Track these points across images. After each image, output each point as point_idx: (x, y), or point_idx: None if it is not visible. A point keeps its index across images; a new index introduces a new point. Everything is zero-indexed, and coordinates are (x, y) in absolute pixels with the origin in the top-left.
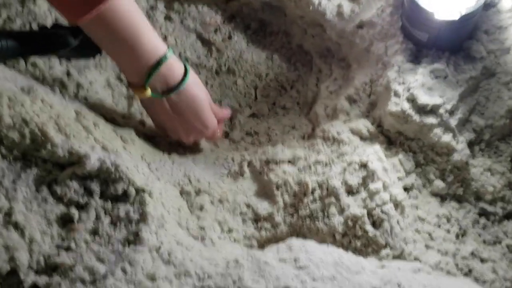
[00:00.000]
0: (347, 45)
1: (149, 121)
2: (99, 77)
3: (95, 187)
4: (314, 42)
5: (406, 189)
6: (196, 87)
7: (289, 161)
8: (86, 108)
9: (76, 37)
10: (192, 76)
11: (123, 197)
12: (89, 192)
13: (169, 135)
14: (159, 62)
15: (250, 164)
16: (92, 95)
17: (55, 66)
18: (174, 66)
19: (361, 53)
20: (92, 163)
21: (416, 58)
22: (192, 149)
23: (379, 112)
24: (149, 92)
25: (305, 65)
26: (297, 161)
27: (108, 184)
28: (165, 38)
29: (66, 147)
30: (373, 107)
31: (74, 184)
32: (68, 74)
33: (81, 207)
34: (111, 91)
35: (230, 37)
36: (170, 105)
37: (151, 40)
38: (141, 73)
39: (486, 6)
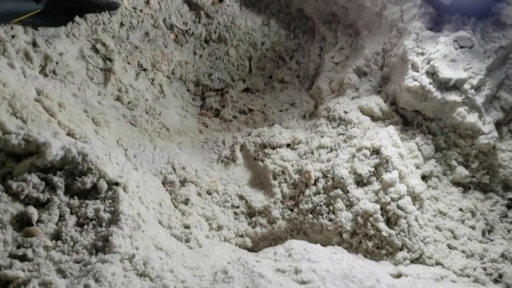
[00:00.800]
0: (355, 9)
1: (130, 97)
2: (70, 47)
3: (59, 181)
4: (317, 5)
5: (425, 177)
6: None
7: (288, 145)
8: (52, 85)
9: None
10: None
11: (93, 192)
12: (51, 187)
13: None
14: None
15: (243, 147)
16: (61, 68)
17: (19, 34)
18: None
19: (372, 18)
20: (55, 152)
21: (436, 24)
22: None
23: (394, 87)
24: None
25: (306, 32)
26: (297, 145)
27: (75, 177)
28: (147, 1)
29: (22, 134)
30: (386, 82)
31: (33, 178)
32: (34, 44)
33: (42, 206)
34: (85, 63)
35: (220, 0)
36: None
37: None
38: None
39: None
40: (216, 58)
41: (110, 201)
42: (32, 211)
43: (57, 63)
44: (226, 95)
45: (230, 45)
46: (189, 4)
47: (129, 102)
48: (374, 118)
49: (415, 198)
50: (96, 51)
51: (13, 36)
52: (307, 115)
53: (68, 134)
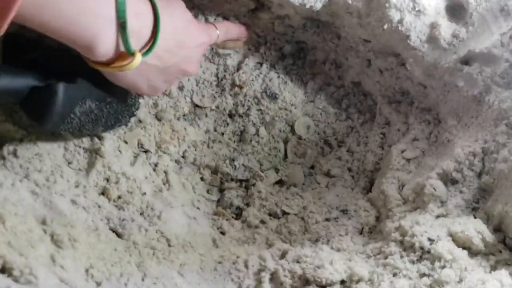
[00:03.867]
0: (439, 89)
1: (121, 189)
2: None
3: None
4: (381, 80)
5: None
6: (174, 18)
7: (342, 282)
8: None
9: None
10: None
11: None
12: None
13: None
14: (121, 9)
15: (274, 278)
16: (26, 148)
17: None
18: (138, 6)
19: (466, 103)
20: None
21: None
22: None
23: (500, 207)
24: (138, 57)
25: (363, 112)
26: (357, 285)
27: None
28: None
29: None
30: (487, 196)
31: None
32: None
33: None
34: (64, 141)
35: (251, 65)
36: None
37: None
38: (108, 34)
39: None
40: (242, 139)
41: None
42: None
43: (20, 140)
44: (252, 189)
45: (261, 123)
46: (212, 68)
47: (119, 198)
48: (471, 251)
49: None
50: None
51: None
52: (366, 229)
53: (1, 270)
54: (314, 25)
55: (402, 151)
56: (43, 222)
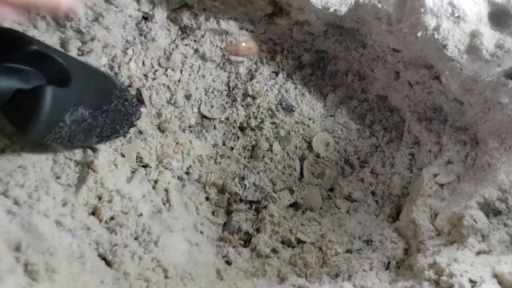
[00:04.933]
0: (478, 106)
1: (115, 209)
2: None
3: None
4: (410, 94)
5: None
6: None
7: None
8: None
9: None
10: None
11: None
12: None
13: None
14: None
15: None
16: (8, 159)
17: None
18: None
19: (511, 123)
20: None
21: None
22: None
23: None
24: None
25: (389, 130)
26: None
27: None
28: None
29: None
30: None
31: None
32: None
33: None
34: (53, 152)
35: (266, 74)
36: None
37: None
38: None
39: None
40: (253, 155)
41: None
42: None
43: (2, 150)
44: (264, 212)
45: (275, 138)
46: (223, 78)
47: (112, 219)
48: None
49: None
50: None
51: None
52: (393, 264)
53: None
54: (337, 33)
55: (435, 175)
56: (17, 249)
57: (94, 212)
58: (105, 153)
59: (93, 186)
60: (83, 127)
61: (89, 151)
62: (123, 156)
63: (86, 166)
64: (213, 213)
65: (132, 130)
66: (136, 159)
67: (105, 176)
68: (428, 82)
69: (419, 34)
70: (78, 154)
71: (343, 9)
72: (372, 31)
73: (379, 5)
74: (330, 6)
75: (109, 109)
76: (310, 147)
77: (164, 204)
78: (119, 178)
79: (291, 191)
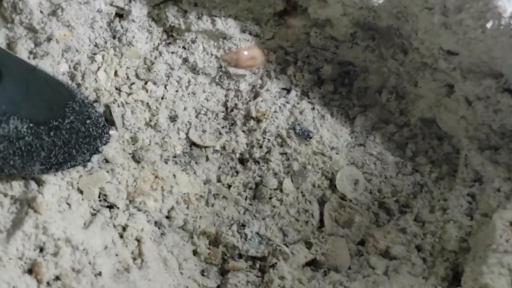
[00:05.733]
0: None
1: (63, 266)
2: None
3: None
4: (469, 114)
5: None
6: None
7: None
8: None
9: None
10: None
11: None
12: None
13: None
14: None
15: None
16: None
17: None
18: None
19: None
20: None
21: None
22: None
23: None
24: None
25: (437, 163)
26: None
27: None
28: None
29: None
30: None
31: None
32: None
33: None
34: None
35: (274, 91)
36: None
37: None
38: None
39: None
40: (257, 195)
41: None
42: None
43: None
44: (271, 273)
45: (286, 173)
46: (221, 96)
47: (57, 279)
48: None
49: None
50: None
51: None
52: None
53: None
54: (368, 36)
55: (511, 223)
56: None
57: (31, 269)
58: (55, 186)
59: (32, 232)
60: (19, 148)
61: (33, 184)
62: (81, 192)
63: (25, 204)
64: (202, 272)
65: (95, 157)
66: (99, 197)
67: (52, 218)
68: (494, 97)
69: (488, 25)
70: (16, 187)
71: None
72: (419, 28)
73: None
74: None
75: (61, 126)
76: (333, 185)
77: (134, 259)
78: (72, 222)
79: (308, 245)
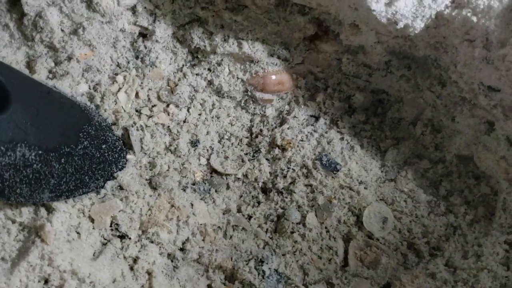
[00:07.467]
0: None
1: None
2: None
3: None
4: (510, 155)
5: None
6: None
7: None
8: None
9: None
10: None
11: None
12: None
13: None
14: None
15: None
16: None
17: None
18: None
19: None
20: None
21: None
22: None
23: None
24: None
25: (473, 204)
26: None
27: None
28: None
29: None
30: None
31: None
32: None
33: None
34: None
35: (301, 119)
36: None
37: None
38: None
39: None
40: (279, 229)
41: None
42: None
43: None
44: None
45: (310, 206)
46: (244, 128)
47: None
48: None
49: None
50: None
51: None
52: None
53: None
54: (403, 65)
55: None
56: None
57: None
58: (65, 214)
59: (37, 263)
60: (26, 176)
61: (43, 210)
62: (92, 220)
63: (33, 233)
64: None
65: (109, 183)
66: (111, 226)
67: (59, 248)
68: None
69: None
70: (26, 213)
71: (418, 25)
72: (459, 61)
73: (474, 19)
74: (399, 19)
75: (73, 152)
76: (359, 222)
77: None
78: (81, 252)
79: (330, 285)
